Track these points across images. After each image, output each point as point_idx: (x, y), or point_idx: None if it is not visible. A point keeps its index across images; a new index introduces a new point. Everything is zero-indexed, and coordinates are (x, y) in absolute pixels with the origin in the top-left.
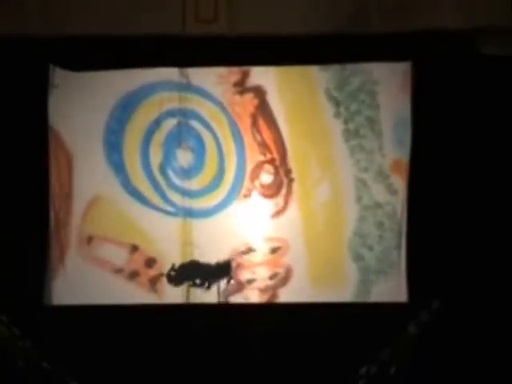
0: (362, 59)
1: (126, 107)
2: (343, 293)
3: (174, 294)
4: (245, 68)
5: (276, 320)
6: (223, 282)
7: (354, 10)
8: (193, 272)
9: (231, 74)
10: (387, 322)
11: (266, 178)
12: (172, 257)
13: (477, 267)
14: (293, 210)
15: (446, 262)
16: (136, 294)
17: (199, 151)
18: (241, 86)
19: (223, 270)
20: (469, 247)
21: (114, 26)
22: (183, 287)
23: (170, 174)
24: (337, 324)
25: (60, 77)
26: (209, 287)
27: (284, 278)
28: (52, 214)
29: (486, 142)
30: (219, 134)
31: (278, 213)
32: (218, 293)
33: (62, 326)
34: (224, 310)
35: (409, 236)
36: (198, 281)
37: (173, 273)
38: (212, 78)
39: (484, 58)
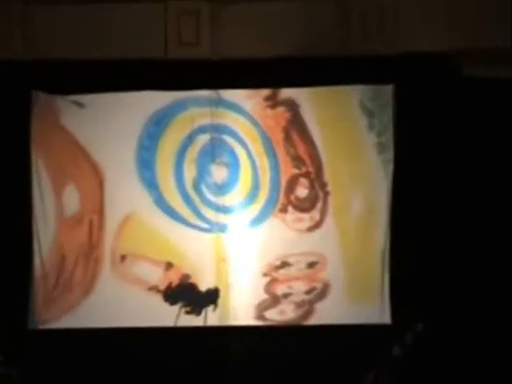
0: (346, 82)
1: (158, 123)
2: (379, 306)
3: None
4: None
5: (260, 343)
6: (210, 309)
7: (339, 34)
8: (185, 295)
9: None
10: (371, 344)
11: (302, 191)
12: (206, 273)
13: (460, 289)
14: (329, 224)
15: (430, 284)
16: (171, 312)
17: (233, 166)
18: (272, 100)
19: (210, 297)
20: (453, 269)
21: (95, 50)
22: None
23: (204, 190)
24: (320, 347)
25: (87, 97)
26: (199, 313)
27: (321, 293)
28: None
29: (470, 163)
30: (252, 149)
31: (314, 227)
32: (205, 318)
33: (48, 351)
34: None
35: (392, 259)
36: (188, 308)
37: (169, 292)
38: (242, 93)
39: (466, 80)
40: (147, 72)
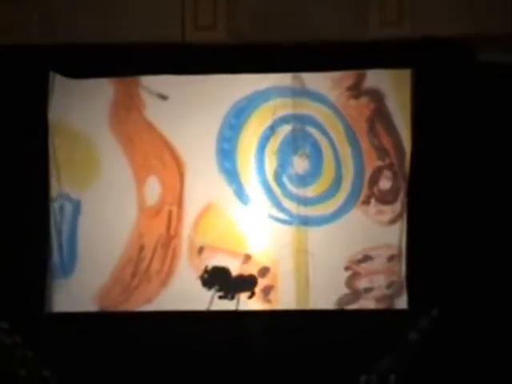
0: (363, 66)
1: (240, 114)
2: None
3: (288, 302)
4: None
5: (276, 329)
6: (245, 295)
7: (356, 18)
8: (221, 279)
9: (345, 77)
10: (388, 329)
11: (385, 183)
12: (286, 265)
13: (475, 275)
14: None
15: (446, 270)
16: (247, 304)
17: (315, 158)
18: (356, 90)
19: (247, 283)
20: (468, 256)
21: (111, 34)
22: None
23: (285, 181)
24: (337, 331)
25: (171, 90)
26: (232, 298)
27: (402, 287)
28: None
29: (486, 149)
30: (335, 140)
31: (395, 219)
32: (238, 303)
33: (64, 334)
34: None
35: (409, 245)
36: (222, 292)
37: (206, 275)
38: (326, 83)
39: (481, 65)
40: (164, 56)
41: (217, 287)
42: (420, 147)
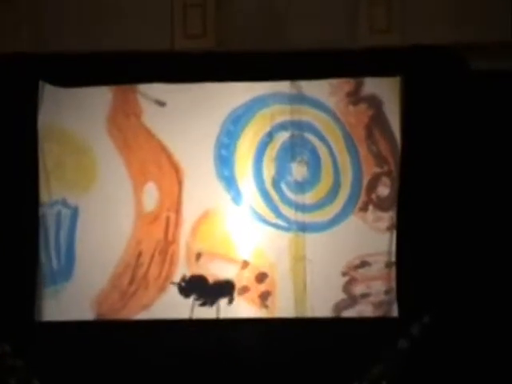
0: (353, 74)
1: (238, 121)
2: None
3: (286, 308)
4: None
5: (267, 336)
6: (224, 302)
7: (345, 26)
8: (198, 287)
9: (344, 83)
10: (378, 336)
11: (383, 190)
12: (283, 271)
13: (467, 281)
14: None
15: (437, 277)
16: (245, 310)
17: (314, 164)
18: (354, 96)
19: (224, 289)
20: (459, 263)
21: (101, 43)
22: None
23: (284, 188)
24: (328, 339)
25: (168, 96)
26: (211, 305)
27: None
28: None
29: (476, 157)
30: (333, 146)
31: (393, 226)
32: (218, 310)
33: (54, 343)
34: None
35: (399, 252)
36: (201, 299)
37: (183, 284)
38: (325, 89)
39: (473, 73)
40: (154, 65)
41: (195, 296)
42: (411, 155)
